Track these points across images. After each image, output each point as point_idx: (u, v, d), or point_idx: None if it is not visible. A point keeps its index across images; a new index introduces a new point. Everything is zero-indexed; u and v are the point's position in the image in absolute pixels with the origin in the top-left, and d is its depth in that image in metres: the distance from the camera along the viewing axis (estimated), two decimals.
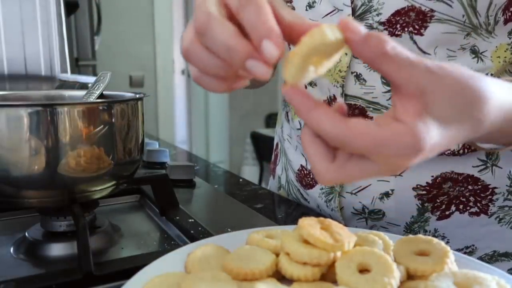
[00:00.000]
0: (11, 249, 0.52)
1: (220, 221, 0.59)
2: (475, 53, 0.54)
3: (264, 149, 2.95)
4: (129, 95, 0.60)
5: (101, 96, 0.61)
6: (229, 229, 0.55)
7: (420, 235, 0.40)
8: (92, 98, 0.60)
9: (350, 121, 0.30)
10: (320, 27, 0.30)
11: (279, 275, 0.37)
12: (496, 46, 0.54)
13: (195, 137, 4.78)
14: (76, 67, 1.87)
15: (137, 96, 0.55)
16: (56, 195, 0.49)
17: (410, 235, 0.40)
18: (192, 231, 0.54)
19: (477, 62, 0.54)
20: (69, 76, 1.23)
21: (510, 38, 0.54)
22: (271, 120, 3.83)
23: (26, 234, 0.54)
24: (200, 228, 0.55)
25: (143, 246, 0.55)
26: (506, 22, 0.52)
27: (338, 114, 0.31)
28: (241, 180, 0.83)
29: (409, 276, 0.36)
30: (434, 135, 0.30)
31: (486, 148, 0.47)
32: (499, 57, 0.54)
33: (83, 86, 1.07)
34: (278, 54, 0.30)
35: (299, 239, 0.36)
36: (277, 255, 0.38)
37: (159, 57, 3.50)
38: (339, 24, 0.30)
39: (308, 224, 0.36)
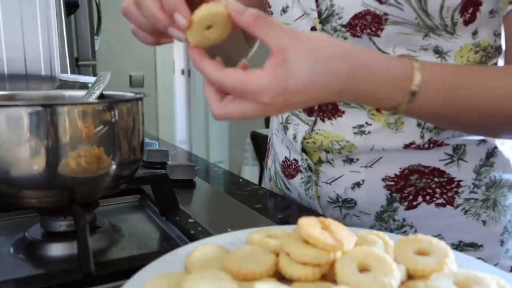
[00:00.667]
0: (11, 249, 0.52)
1: (220, 221, 0.59)
2: (439, 53, 0.57)
3: (264, 149, 2.94)
4: (129, 95, 0.60)
5: (101, 96, 0.61)
6: (229, 229, 0.55)
7: (420, 235, 0.40)
8: (92, 98, 0.60)
9: (226, 69, 0.40)
10: (208, 3, 0.41)
11: (279, 275, 0.37)
12: (461, 46, 0.57)
13: (195, 137, 4.78)
14: (76, 67, 1.87)
15: (137, 96, 0.55)
16: (56, 195, 0.49)
17: (411, 235, 0.40)
18: (192, 231, 0.54)
19: (441, 61, 0.57)
20: (69, 76, 1.23)
21: (474, 39, 0.57)
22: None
23: (26, 234, 0.54)
24: (200, 228, 0.55)
25: (143, 246, 0.55)
26: (466, 23, 0.55)
27: (222, 65, 0.41)
28: (241, 180, 0.83)
29: (409, 276, 0.36)
30: (292, 80, 0.39)
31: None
32: (462, 57, 0.57)
33: (83, 86, 1.06)
34: (186, 23, 0.41)
35: (299, 239, 0.36)
36: (277, 255, 0.38)
37: (159, 57, 3.50)
38: (225, 3, 0.40)
39: (308, 224, 0.36)
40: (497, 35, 0.58)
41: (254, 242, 0.41)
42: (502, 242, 0.64)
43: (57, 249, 0.51)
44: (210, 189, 0.77)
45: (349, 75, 0.41)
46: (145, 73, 3.48)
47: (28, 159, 0.46)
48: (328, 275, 0.36)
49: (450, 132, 0.61)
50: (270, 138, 0.86)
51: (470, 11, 0.54)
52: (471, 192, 0.62)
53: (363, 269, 0.35)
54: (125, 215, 0.66)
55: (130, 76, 3.39)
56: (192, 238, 0.53)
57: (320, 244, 0.35)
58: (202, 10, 0.41)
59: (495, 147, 0.63)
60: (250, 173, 3.09)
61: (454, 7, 0.53)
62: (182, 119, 4.76)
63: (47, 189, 0.49)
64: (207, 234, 0.53)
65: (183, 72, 4.69)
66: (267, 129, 3.32)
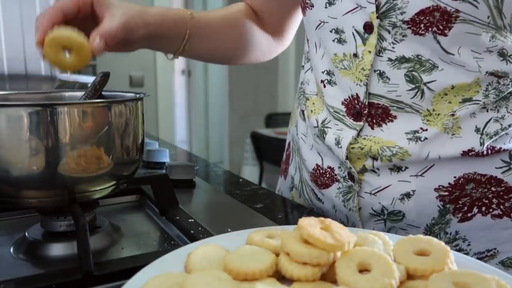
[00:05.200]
0: (11, 249, 0.52)
1: (220, 221, 0.59)
2: (503, 55, 0.53)
3: (264, 149, 2.95)
4: (129, 95, 0.60)
5: (101, 96, 0.61)
6: (229, 229, 0.55)
7: (420, 235, 0.40)
8: (92, 98, 0.60)
9: None
10: (64, 27, 0.51)
11: (279, 275, 0.37)
12: None
13: (195, 137, 4.78)
14: None
15: (137, 96, 0.55)
16: (56, 195, 0.49)
17: (411, 235, 0.40)
18: (192, 231, 0.54)
19: (506, 64, 0.54)
20: (69, 76, 1.23)
21: None
22: (271, 120, 3.82)
23: (26, 234, 0.54)
24: (200, 228, 0.55)
25: (143, 246, 0.55)
26: None
27: None
28: (241, 180, 0.83)
29: (409, 276, 0.36)
30: None
31: None
32: None
33: (83, 86, 1.07)
34: (38, 40, 0.51)
35: (299, 239, 0.36)
36: (277, 255, 0.38)
37: (159, 57, 3.50)
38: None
39: (308, 224, 0.36)
40: None
41: (254, 242, 0.41)
42: None
43: (57, 249, 0.51)
44: (210, 189, 0.77)
45: None
46: (145, 73, 3.48)
47: (28, 159, 0.46)
48: (328, 275, 0.36)
49: (507, 138, 0.57)
50: (290, 144, 0.80)
51: None
52: None
53: (363, 269, 0.35)
54: (125, 215, 0.66)
55: (130, 76, 3.40)
56: (192, 238, 0.53)
57: (320, 244, 0.35)
58: (54, 32, 0.47)
59: None
60: (250, 173, 3.09)
61: None
62: (182, 119, 4.76)
63: (47, 189, 0.49)
64: (207, 234, 0.53)
65: (183, 72, 4.69)
66: (267, 129, 3.32)
